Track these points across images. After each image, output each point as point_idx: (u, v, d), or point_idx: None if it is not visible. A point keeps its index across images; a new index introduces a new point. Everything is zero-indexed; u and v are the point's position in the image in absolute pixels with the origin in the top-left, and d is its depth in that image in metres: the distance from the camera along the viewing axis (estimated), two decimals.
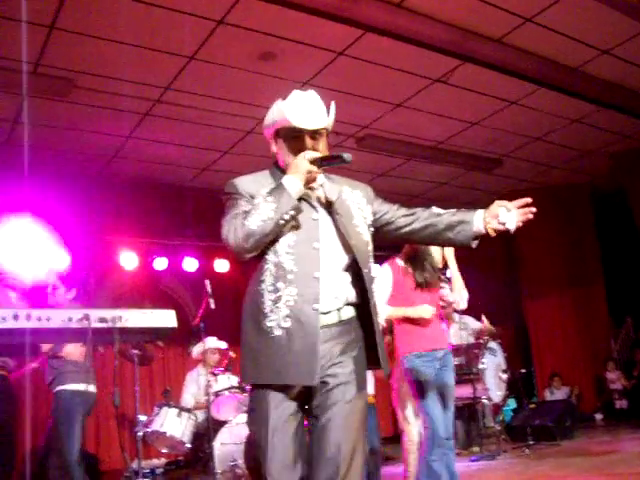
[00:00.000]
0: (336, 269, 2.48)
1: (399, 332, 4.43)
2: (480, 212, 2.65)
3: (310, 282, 2.39)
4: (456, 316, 7.43)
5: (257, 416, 2.38)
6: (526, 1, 5.84)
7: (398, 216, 2.71)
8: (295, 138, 2.51)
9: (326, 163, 2.48)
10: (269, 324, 2.36)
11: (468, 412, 7.74)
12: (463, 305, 4.68)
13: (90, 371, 4.90)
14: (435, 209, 2.75)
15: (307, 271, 2.40)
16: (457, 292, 4.60)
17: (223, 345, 7.28)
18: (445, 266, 4.64)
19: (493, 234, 2.65)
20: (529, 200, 2.62)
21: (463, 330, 7.04)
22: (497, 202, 2.64)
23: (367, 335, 2.55)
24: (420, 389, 4.18)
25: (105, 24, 5.51)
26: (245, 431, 5.77)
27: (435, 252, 4.54)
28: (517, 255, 11.43)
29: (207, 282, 6.43)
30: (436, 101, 7.48)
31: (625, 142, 9.28)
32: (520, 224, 2.62)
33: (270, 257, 2.41)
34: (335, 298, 2.45)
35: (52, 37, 5.60)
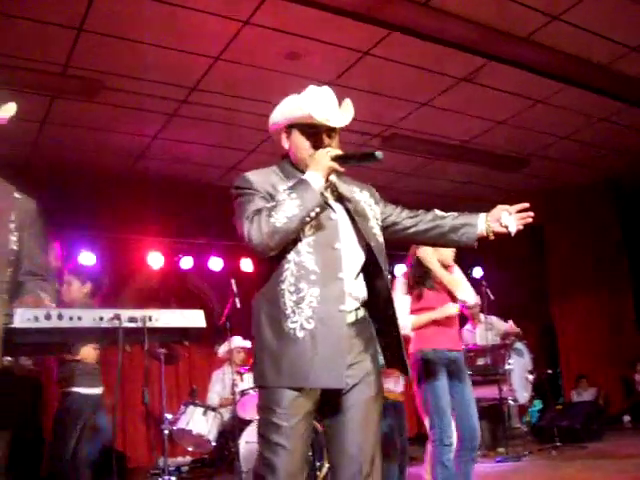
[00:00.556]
0: (354, 270, 2.48)
1: (417, 333, 4.44)
2: (483, 215, 2.74)
3: (334, 283, 2.37)
4: (482, 316, 7.40)
5: (271, 419, 2.31)
6: None
7: (403, 217, 2.74)
8: (313, 134, 2.48)
9: (354, 161, 2.45)
10: (291, 325, 2.30)
11: (494, 413, 7.69)
12: (474, 298, 4.64)
13: (98, 373, 4.92)
14: (438, 212, 2.79)
15: (330, 272, 2.37)
16: (461, 291, 4.53)
17: (248, 344, 7.31)
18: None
19: (492, 237, 2.73)
20: (527, 205, 2.66)
21: (489, 331, 7.00)
22: (499, 206, 2.71)
23: (387, 335, 2.56)
24: (432, 382, 4.15)
25: (132, 26, 5.57)
26: None
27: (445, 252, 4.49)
28: (545, 255, 11.33)
29: (233, 281, 6.46)
30: (462, 100, 7.44)
31: None
32: (521, 227, 2.66)
33: (291, 256, 2.36)
34: (355, 299, 2.46)
35: (81, 39, 5.66)
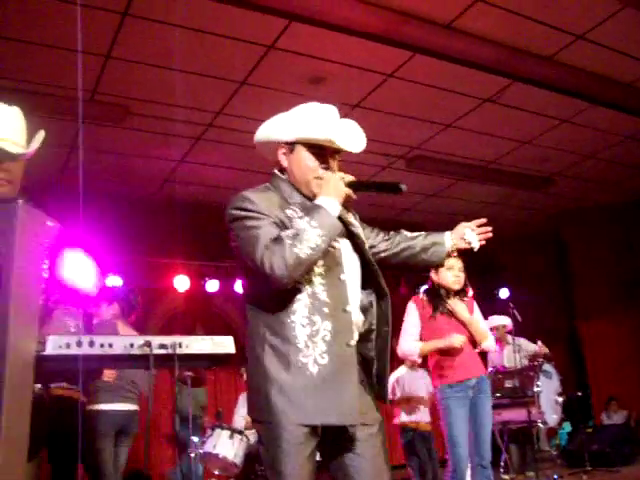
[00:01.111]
0: (356, 300, 2.39)
1: (432, 365, 4.52)
2: (448, 233, 2.72)
3: (343, 316, 2.27)
4: (509, 338, 7.33)
5: (278, 456, 2.16)
6: (577, 18, 5.77)
7: (379, 240, 2.66)
8: (320, 155, 2.37)
9: (374, 190, 2.40)
10: (303, 360, 2.17)
11: (523, 436, 7.58)
12: (490, 344, 4.64)
13: (122, 388, 4.95)
14: (405, 232, 2.72)
15: (338, 304, 2.27)
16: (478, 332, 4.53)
17: None
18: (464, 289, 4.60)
19: (455, 254, 2.87)
20: (484, 220, 2.72)
21: (517, 352, 6.91)
22: (462, 223, 2.73)
23: (379, 365, 2.43)
24: (450, 419, 4.24)
25: (158, 52, 5.65)
26: None
27: (450, 277, 4.49)
28: (571, 275, 11.22)
29: None
30: (486, 121, 7.44)
31: None
32: (483, 242, 2.70)
33: (304, 287, 2.23)
34: (357, 330, 2.37)
35: (108, 65, 5.76)
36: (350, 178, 2.32)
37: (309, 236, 2.14)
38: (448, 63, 6.13)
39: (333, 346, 2.21)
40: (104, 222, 7.69)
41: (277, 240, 2.15)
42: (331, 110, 2.44)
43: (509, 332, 7.29)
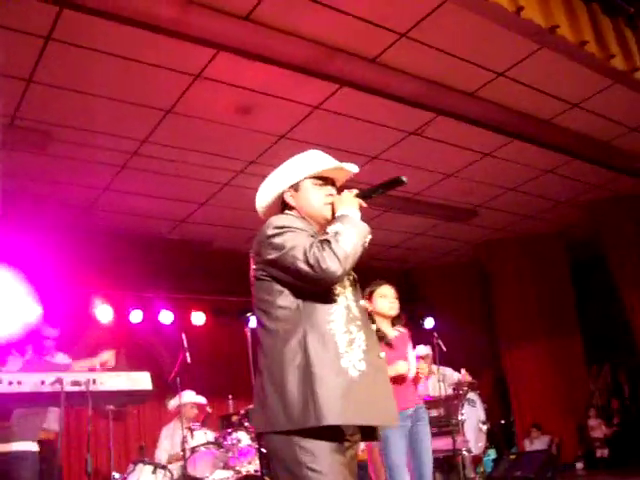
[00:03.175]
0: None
1: None
2: None
3: (371, 331, 2.53)
4: (434, 367, 7.40)
5: (328, 474, 2.24)
6: (498, 56, 5.98)
7: None
8: (324, 186, 2.63)
9: (381, 191, 2.67)
10: (344, 365, 2.32)
11: (448, 464, 7.63)
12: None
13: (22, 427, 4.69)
14: None
15: (366, 321, 2.52)
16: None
17: (202, 400, 7.17)
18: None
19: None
20: None
21: (442, 382, 6.98)
22: None
23: None
24: (389, 449, 4.19)
25: (82, 77, 5.55)
26: None
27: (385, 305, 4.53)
28: (494, 305, 11.46)
29: (183, 336, 6.36)
30: (411, 153, 7.57)
31: (596, 192, 9.42)
32: None
33: (341, 299, 2.45)
34: None
35: (29, 90, 5.62)
36: (355, 191, 2.59)
37: (347, 234, 2.37)
38: (374, 96, 6.24)
39: (368, 355, 2.40)
40: (24, 249, 7.47)
41: (322, 241, 2.34)
42: (319, 151, 2.72)
43: (433, 362, 7.36)
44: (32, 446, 4.73)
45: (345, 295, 2.48)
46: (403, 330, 4.66)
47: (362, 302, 2.60)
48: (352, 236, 2.37)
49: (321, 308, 2.39)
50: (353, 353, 2.35)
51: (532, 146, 7.67)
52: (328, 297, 2.41)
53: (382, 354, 2.53)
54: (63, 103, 5.88)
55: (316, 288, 2.37)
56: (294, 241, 2.37)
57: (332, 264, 2.28)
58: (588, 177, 8.86)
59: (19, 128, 6.18)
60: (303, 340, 2.32)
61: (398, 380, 4.33)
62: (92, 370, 4.59)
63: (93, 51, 5.22)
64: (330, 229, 2.42)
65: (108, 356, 4.81)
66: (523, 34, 5.49)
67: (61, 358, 5.70)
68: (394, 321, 4.58)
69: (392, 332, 4.55)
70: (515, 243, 11.02)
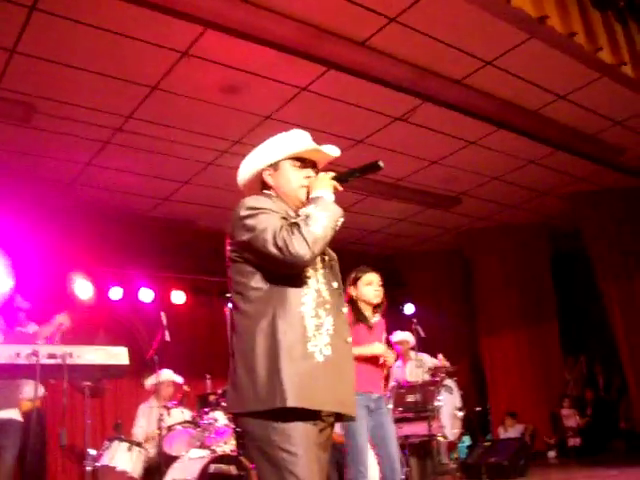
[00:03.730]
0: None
1: None
2: None
3: (341, 316, 2.51)
4: (412, 353, 7.45)
5: (291, 439, 2.24)
6: (487, 45, 5.97)
7: None
8: (303, 167, 2.62)
9: (357, 175, 2.64)
10: (311, 349, 2.32)
11: (423, 449, 7.70)
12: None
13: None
14: None
15: (337, 305, 2.51)
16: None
17: (179, 379, 7.17)
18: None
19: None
20: None
21: (419, 367, 7.03)
22: None
23: None
24: (355, 426, 4.18)
25: (68, 50, 5.48)
26: (197, 466, 5.66)
27: (370, 292, 4.55)
28: (474, 291, 11.53)
29: (163, 314, 6.35)
30: (397, 139, 7.57)
31: (580, 184, 9.48)
32: None
33: (312, 282, 2.44)
34: None
35: (13, 61, 5.53)
36: (331, 174, 2.57)
37: (317, 217, 2.35)
38: (361, 80, 6.22)
39: (335, 340, 2.40)
40: (4, 222, 7.39)
41: (292, 224, 2.34)
42: (303, 132, 2.73)
43: (412, 348, 7.41)
44: (15, 414, 4.78)
45: (316, 278, 2.47)
46: (381, 319, 4.71)
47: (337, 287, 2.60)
48: (323, 219, 2.36)
49: (292, 291, 2.39)
50: (320, 337, 2.36)
51: (517, 136, 7.69)
52: (299, 280, 2.41)
53: (349, 339, 2.51)
54: (47, 75, 5.79)
55: (286, 271, 2.37)
56: (266, 223, 2.37)
57: (300, 248, 2.28)
58: (572, 169, 8.91)
59: (2, 99, 6.10)
60: (272, 322, 2.33)
61: (372, 360, 4.39)
62: (53, 334, 4.69)
63: (79, 24, 5.14)
64: (302, 211, 2.42)
65: (62, 318, 4.82)
66: (513, 23, 5.49)
67: (32, 328, 5.71)
68: (376, 308, 4.62)
69: (373, 318, 4.59)
70: (497, 232, 11.08)
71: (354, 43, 5.78)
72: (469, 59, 6.16)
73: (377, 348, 4.43)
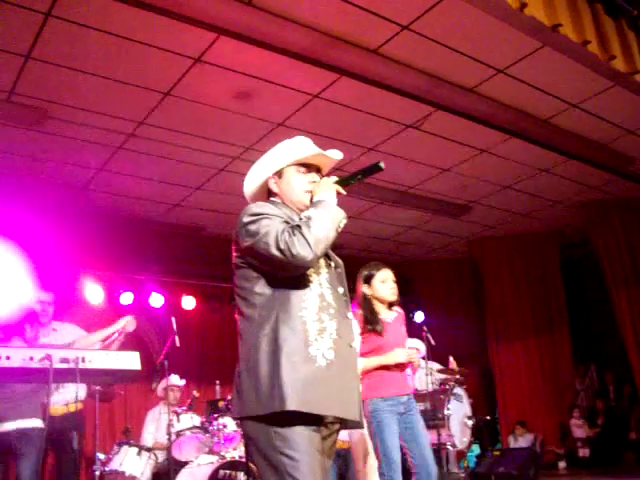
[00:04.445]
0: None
1: (366, 381, 4.41)
2: None
3: (345, 321, 2.53)
4: (422, 362, 7.42)
5: (292, 441, 2.25)
6: (499, 53, 5.96)
7: None
8: (307, 173, 2.65)
9: (360, 177, 2.64)
10: (312, 353, 2.33)
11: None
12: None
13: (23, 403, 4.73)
14: None
15: (342, 310, 2.52)
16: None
17: (180, 382, 7.19)
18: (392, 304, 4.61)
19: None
20: None
21: (429, 376, 7.01)
22: None
23: None
24: (382, 432, 4.16)
25: (82, 56, 5.50)
26: (206, 472, 5.67)
27: (386, 290, 4.50)
28: (485, 299, 11.49)
29: (173, 320, 6.36)
30: (408, 147, 7.56)
31: (591, 193, 9.44)
32: None
33: (314, 286, 2.46)
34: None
35: (27, 66, 5.57)
36: (334, 178, 2.60)
37: (319, 219, 2.38)
38: (373, 87, 6.22)
39: (338, 344, 2.41)
40: (14, 226, 7.43)
41: (293, 227, 2.37)
42: (305, 138, 2.73)
43: (422, 357, 7.38)
44: (37, 423, 4.80)
45: (319, 282, 2.48)
46: (400, 311, 4.63)
47: (342, 290, 2.61)
48: (325, 221, 2.38)
49: (294, 295, 2.40)
50: (323, 342, 2.36)
51: (529, 144, 7.66)
52: (301, 284, 2.43)
53: (353, 343, 2.52)
54: (61, 81, 5.83)
55: (288, 274, 2.39)
56: (268, 227, 2.39)
57: (302, 249, 2.30)
58: (583, 178, 8.87)
59: (15, 104, 6.14)
60: (275, 326, 2.35)
61: (395, 365, 4.33)
62: (107, 339, 4.68)
63: (93, 30, 5.17)
64: (303, 214, 2.45)
65: (125, 322, 4.81)
66: (525, 31, 5.49)
67: (69, 329, 5.74)
68: (392, 303, 4.56)
69: (390, 314, 4.52)
70: (508, 240, 11.04)
71: (366, 51, 5.78)
72: (481, 67, 6.15)
73: (399, 355, 4.33)
